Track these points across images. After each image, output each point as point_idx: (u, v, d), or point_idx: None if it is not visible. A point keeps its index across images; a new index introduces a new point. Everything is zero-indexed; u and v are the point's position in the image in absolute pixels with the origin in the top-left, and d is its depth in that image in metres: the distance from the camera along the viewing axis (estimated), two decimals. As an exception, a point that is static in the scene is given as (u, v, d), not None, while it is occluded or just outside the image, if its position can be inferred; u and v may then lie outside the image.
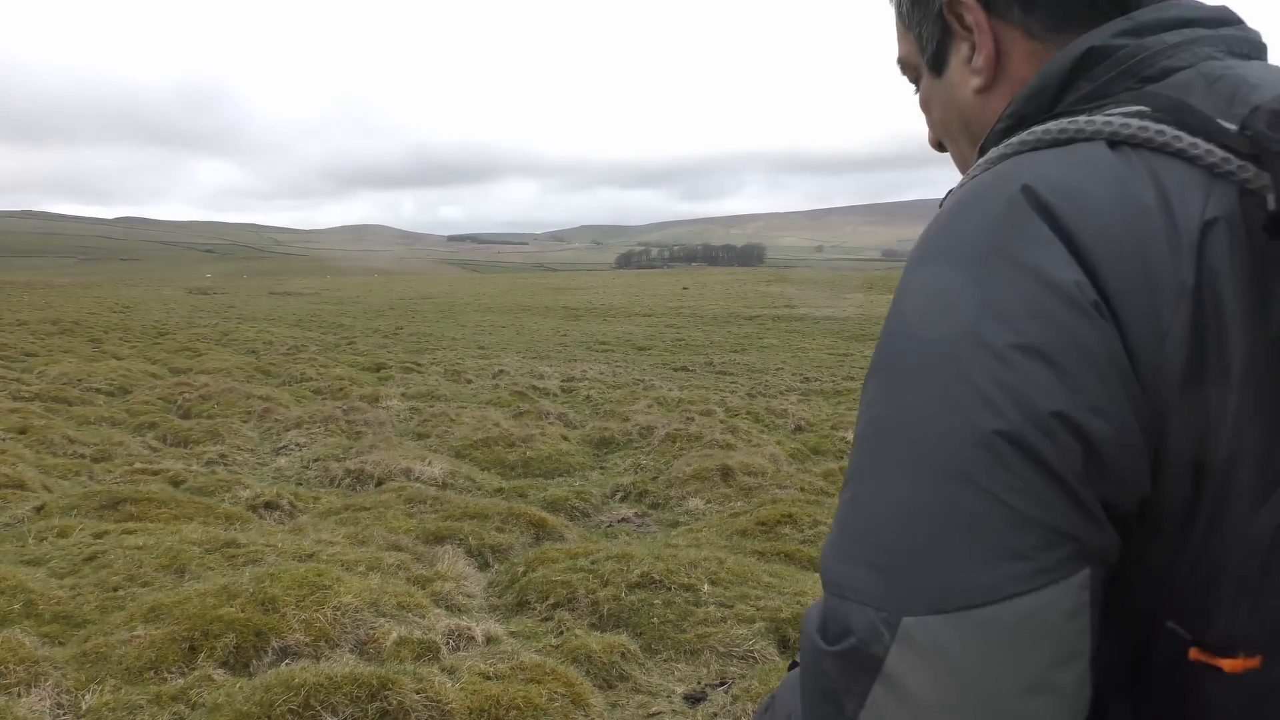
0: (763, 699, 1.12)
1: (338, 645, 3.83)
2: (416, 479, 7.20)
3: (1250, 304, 0.58)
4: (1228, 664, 0.59)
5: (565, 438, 9.29)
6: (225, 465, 7.98)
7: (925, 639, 0.57)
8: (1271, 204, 0.57)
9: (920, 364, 0.61)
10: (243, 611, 3.83)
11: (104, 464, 7.71)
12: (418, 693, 3.27)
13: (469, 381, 14.21)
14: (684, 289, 59.43)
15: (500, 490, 7.24)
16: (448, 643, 3.92)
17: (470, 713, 3.26)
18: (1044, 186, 0.62)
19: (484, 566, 5.34)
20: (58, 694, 3.34)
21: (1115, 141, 0.64)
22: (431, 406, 11.31)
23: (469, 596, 4.69)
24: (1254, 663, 0.58)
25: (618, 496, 7.25)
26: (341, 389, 12.60)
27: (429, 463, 7.61)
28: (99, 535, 5.19)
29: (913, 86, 0.90)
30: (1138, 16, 0.70)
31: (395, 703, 3.22)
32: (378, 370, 15.42)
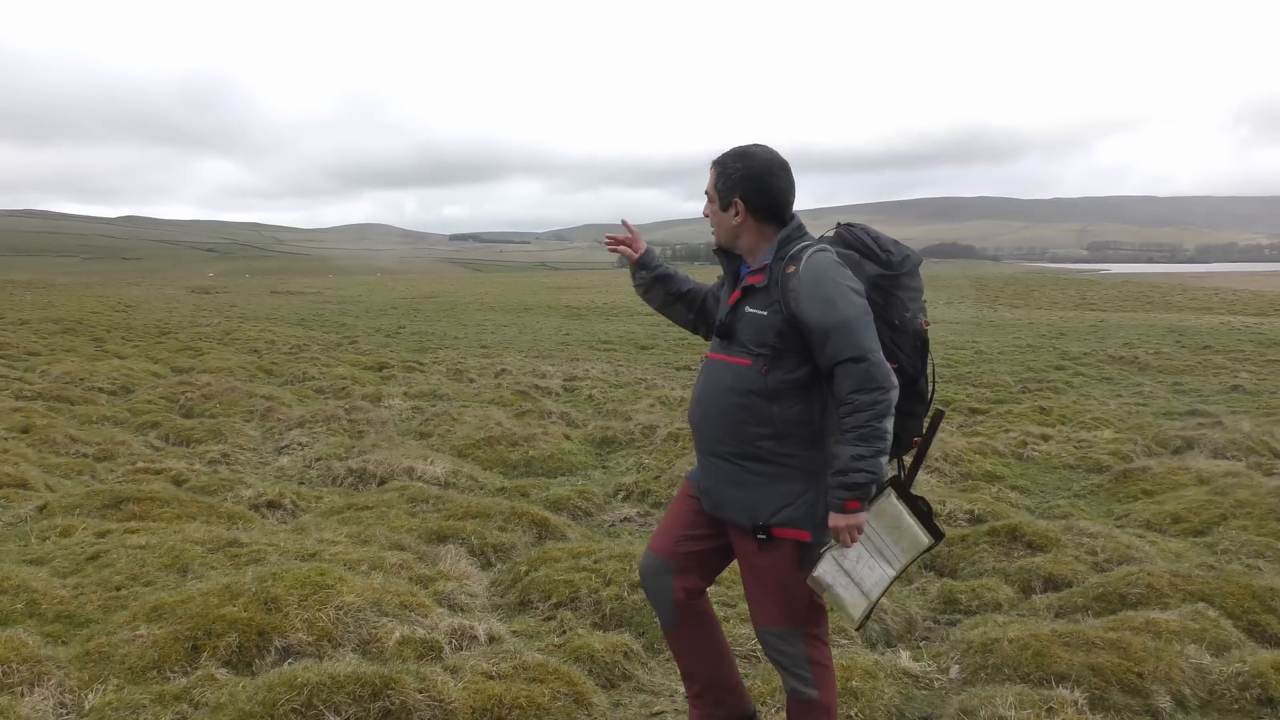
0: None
1: (340, 645, 3.83)
2: (419, 478, 7.19)
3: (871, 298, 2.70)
4: None
5: (568, 437, 9.28)
6: (228, 464, 7.98)
7: (881, 356, 2.56)
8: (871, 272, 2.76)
9: (853, 293, 2.62)
10: (245, 611, 3.83)
11: (106, 463, 7.71)
12: (420, 692, 3.27)
13: (471, 381, 14.20)
14: (686, 288, 59.24)
15: (503, 489, 7.23)
16: (450, 642, 3.92)
17: (473, 712, 3.26)
18: (837, 256, 2.70)
19: (486, 566, 5.34)
20: (60, 693, 3.34)
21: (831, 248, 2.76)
22: (434, 406, 11.31)
23: (472, 596, 4.69)
24: None
25: (620, 496, 7.24)
26: (344, 388, 12.60)
27: (431, 462, 7.61)
28: (101, 534, 5.19)
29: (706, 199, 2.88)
30: (798, 221, 2.77)
31: (398, 702, 3.22)
32: (380, 369, 15.42)
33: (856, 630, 2.89)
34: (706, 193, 2.83)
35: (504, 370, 15.29)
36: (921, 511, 2.81)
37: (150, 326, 23.48)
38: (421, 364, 16.29)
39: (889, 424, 2.53)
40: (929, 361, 2.76)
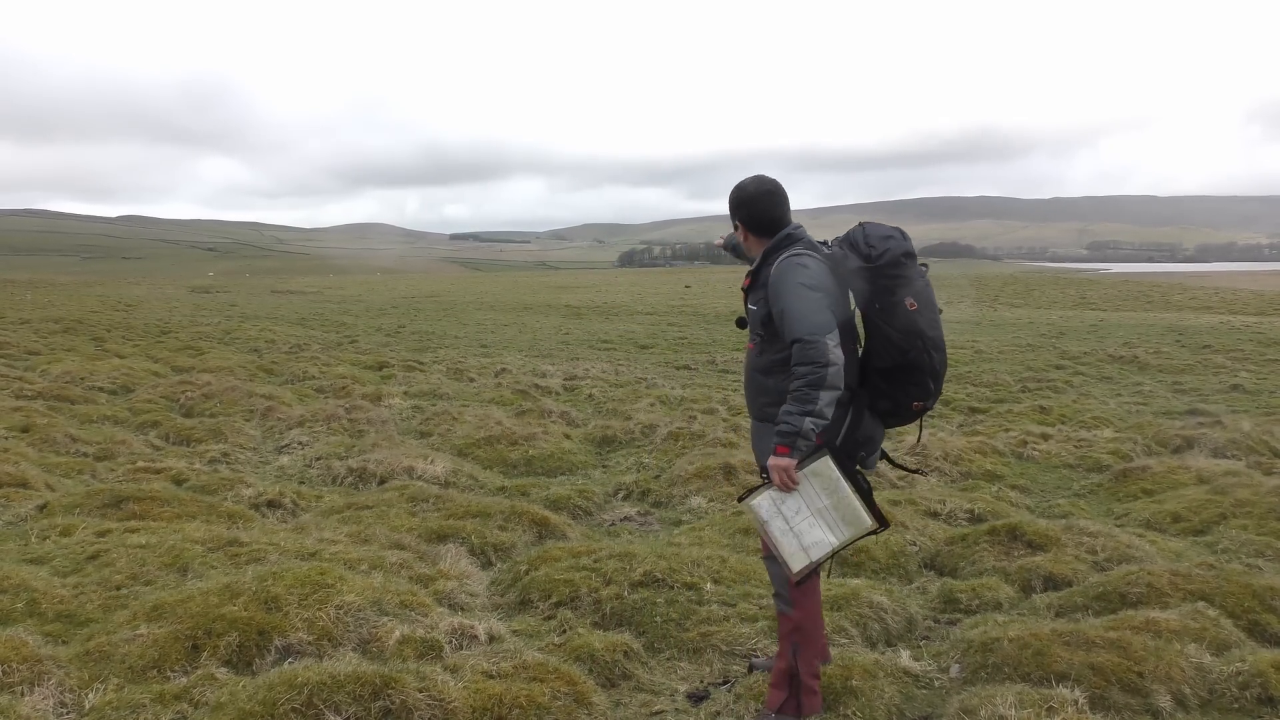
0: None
1: (341, 644, 3.83)
2: (419, 477, 7.19)
3: (842, 285, 3.35)
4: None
5: (568, 436, 9.28)
6: (228, 464, 7.98)
7: (829, 338, 3.13)
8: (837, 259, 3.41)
9: (803, 288, 3.23)
10: (245, 610, 3.83)
11: (107, 462, 7.71)
12: (421, 691, 3.27)
13: (471, 380, 14.20)
14: (686, 287, 59.38)
15: (503, 489, 7.23)
16: (450, 641, 3.92)
17: (473, 711, 3.26)
18: (805, 259, 3.30)
19: (487, 565, 5.34)
20: (61, 693, 3.34)
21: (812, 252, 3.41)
22: (434, 405, 11.31)
23: (472, 595, 4.69)
24: None
25: (620, 495, 7.24)
26: (344, 387, 12.60)
27: (431, 461, 7.61)
28: (102, 534, 5.19)
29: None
30: (787, 231, 3.43)
31: (398, 701, 3.21)
32: (380, 369, 15.42)
33: (795, 582, 3.38)
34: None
35: (504, 369, 15.29)
36: (862, 488, 3.31)
37: (150, 326, 23.49)
38: (421, 363, 16.29)
39: (821, 393, 3.13)
40: (925, 337, 3.26)
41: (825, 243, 3.49)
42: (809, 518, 3.28)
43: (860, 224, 3.44)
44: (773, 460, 3.22)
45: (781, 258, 3.33)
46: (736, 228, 3.58)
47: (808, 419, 3.13)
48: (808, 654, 3.43)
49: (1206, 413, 11.10)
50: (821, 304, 3.20)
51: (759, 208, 3.47)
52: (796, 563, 3.30)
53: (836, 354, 3.14)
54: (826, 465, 3.27)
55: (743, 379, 3.65)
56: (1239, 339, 22.28)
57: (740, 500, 3.32)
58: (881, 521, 3.32)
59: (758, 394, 3.46)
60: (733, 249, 4.18)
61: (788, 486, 3.24)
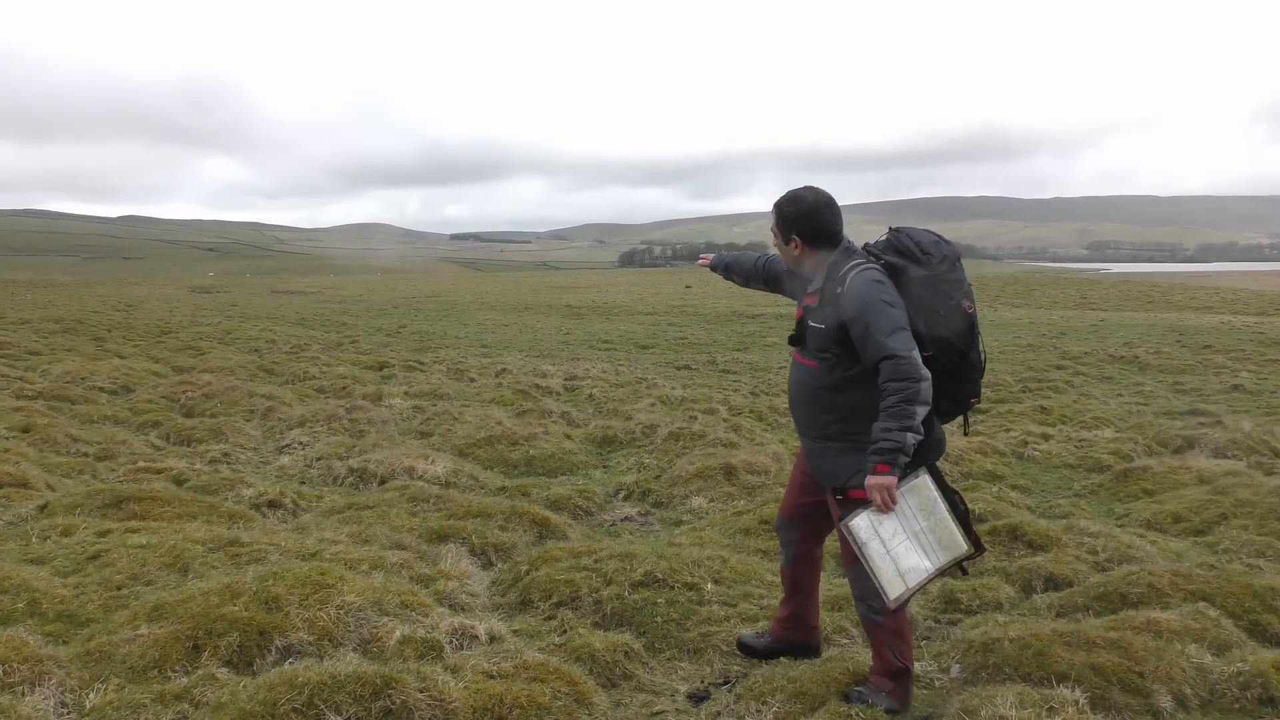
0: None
1: (341, 644, 3.83)
2: (419, 478, 7.19)
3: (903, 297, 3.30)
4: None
5: (568, 436, 9.28)
6: (228, 464, 7.98)
7: (916, 353, 3.16)
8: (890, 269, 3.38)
9: (884, 305, 3.20)
10: (246, 610, 3.83)
11: (107, 462, 7.71)
12: (421, 691, 3.27)
13: (472, 380, 14.20)
14: (687, 287, 59.38)
15: (503, 489, 7.23)
16: (451, 641, 3.92)
17: (474, 711, 3.26)
18: (876, 274, 3.28)
19: (487, 565, 5.34)
20: (61, 693, 3.34)
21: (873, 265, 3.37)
22: (434, 405, 11.31)
23: (472, 595, 4.69)
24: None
25: (621, 495, 7.24)
26: (344, 387, 12.60)
27: (432, 461, 7.61)
28: (102, 534, 5.19)
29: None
30: (845, 245, 3.43)
31: (399, 702, 3.21)
32: (381, 369, 15.42)
33: (892, 610, 3.34)
34: (772, 230, 3.56)
35: (504, 369, 15.29)
36: (959, 511, 3.29)
37: (151, 326, 23.49)
38: (422, 363, 16.29)
39: (917, 408, 3.12)
40: (978, 337, 3.34)
41: (866, 250, 3.45)
42: (905, 540, 3.26)
43: (900, 231, 3.40)
44: (872, 479, 3.18)
45: (852, 272, 3.28)
46: (790, 242, 3.46)
47: (909, 434, 3.11)
48: (905, 650, 3.46)
49: (1207, 413, 11.09)
50: (904, 320, 3.19)
51: (822, 219, 3.40)
52: (894, 589, 3.28)
53: (925, 369, 3.14)
54: (925, 484, 3.28)
55: (796, 397, 3.51)
56: (1240, 339, 22.28)
57: (839, 522, 3.31)
58: (978, 546, 3.31)
59: (823, 411, 3.39)
60: (723, 269, 4.05)
61: (888, 506, 3.21)
